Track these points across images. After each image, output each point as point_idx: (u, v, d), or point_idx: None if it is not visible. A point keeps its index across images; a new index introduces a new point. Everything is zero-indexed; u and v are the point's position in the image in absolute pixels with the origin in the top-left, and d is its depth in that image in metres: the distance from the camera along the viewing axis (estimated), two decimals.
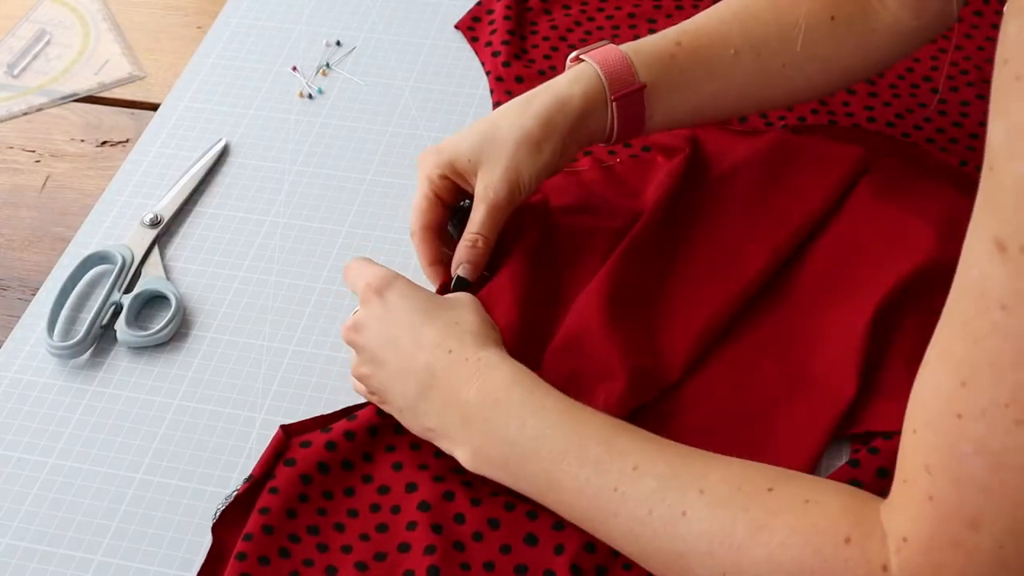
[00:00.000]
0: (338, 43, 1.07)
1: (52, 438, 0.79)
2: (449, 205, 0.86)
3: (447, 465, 0.76)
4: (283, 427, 0.77)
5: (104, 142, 1.01)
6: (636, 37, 1.04)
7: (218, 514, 0.73)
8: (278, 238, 0.91)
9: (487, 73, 1.03)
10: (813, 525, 0.60)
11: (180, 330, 0.85)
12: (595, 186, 0.92)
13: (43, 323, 0.84)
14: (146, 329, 0.85)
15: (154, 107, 1.03)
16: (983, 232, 0.53)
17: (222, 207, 0.94)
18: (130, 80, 1.06)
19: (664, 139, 0.93)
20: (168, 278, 0.88)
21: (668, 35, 0.86)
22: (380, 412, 0.78)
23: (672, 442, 0.68)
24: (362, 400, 0.79)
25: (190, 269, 0.89)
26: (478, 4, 1.09)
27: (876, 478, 0.74)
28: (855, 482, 0.74)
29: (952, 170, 0.92)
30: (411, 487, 0.74)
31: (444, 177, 0.84)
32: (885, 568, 0.58)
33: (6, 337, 0.86)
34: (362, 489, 0.75)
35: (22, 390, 0.82)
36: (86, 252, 0.89)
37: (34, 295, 0.88)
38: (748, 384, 0.80)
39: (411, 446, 0.77)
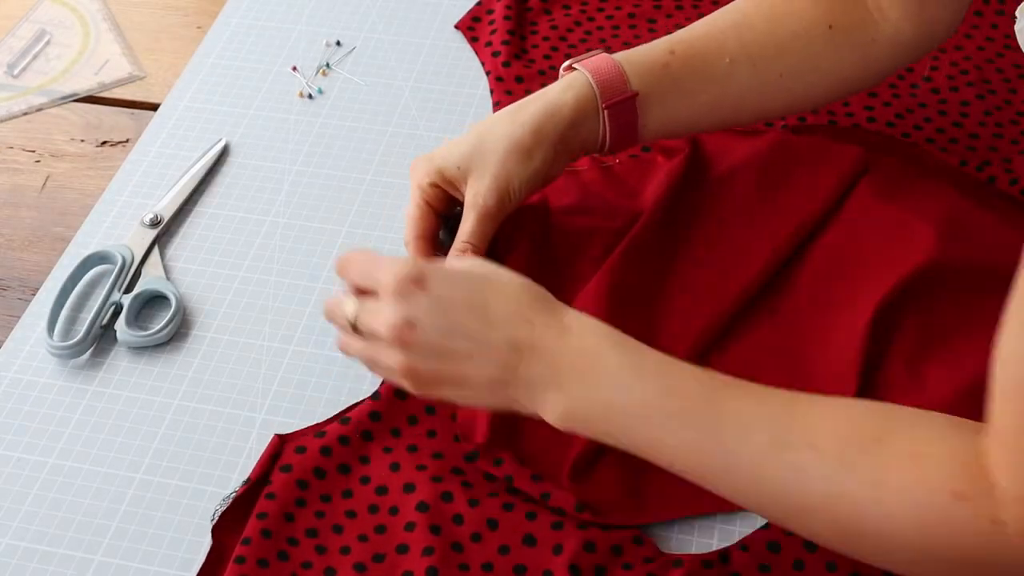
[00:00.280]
0: (338, 43, 1.07)
1: (52, 438, 0.80)
2: (441, 214, 0.85)
3: (445, 466, 0.76)
4: (278, 436, 0.77)
5: (104, 142, 1.01)
6: (636, 37, 1.04)
7: (216, 516, 0.73)
8: (278, 238, 0.91)
9: (487, 73, 1.03)
10: (924, 482, 0.61)
11: (180, 330, 0.85)
12: (594, 186, 0.92)
13: (43, 323, 0.84)
14: (146, 329, 0.85)
15: (154, 107, 1.03)
16: None
17: (222, 207, 0.94)
18: (130, 80, 1.06)
19: (664, 139, 0.93)
20: (168, 278, 0.88)
21: (661, 44, 0.86)
22: (373, 416, 0.78)
23: (772, 390, 0.67)
24: (354, 401, 0.79)
25: (190, 269, 0.89)
26: (478, 4, 1.09)
27: None
28: None
29: (952, 170, 0.92)
30: (409, 488, 0.75)
31: (435, 186, 0.84)
32: (996, 521, 0.58)
33: (6, 337, 0.86)
34: (360, 490, 0.75)
35: (22, 390, 0.82)
36: (86, 252, 0.89)
37: (34, 295, 0.88)
38: None
39: (408, 447, 0.77)
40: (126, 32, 1.11)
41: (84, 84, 1.05)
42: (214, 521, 0.73)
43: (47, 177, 0.98)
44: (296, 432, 0.78)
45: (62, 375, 0.83)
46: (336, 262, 0.75)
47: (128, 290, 0.87)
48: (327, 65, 1.04)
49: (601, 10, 1.07)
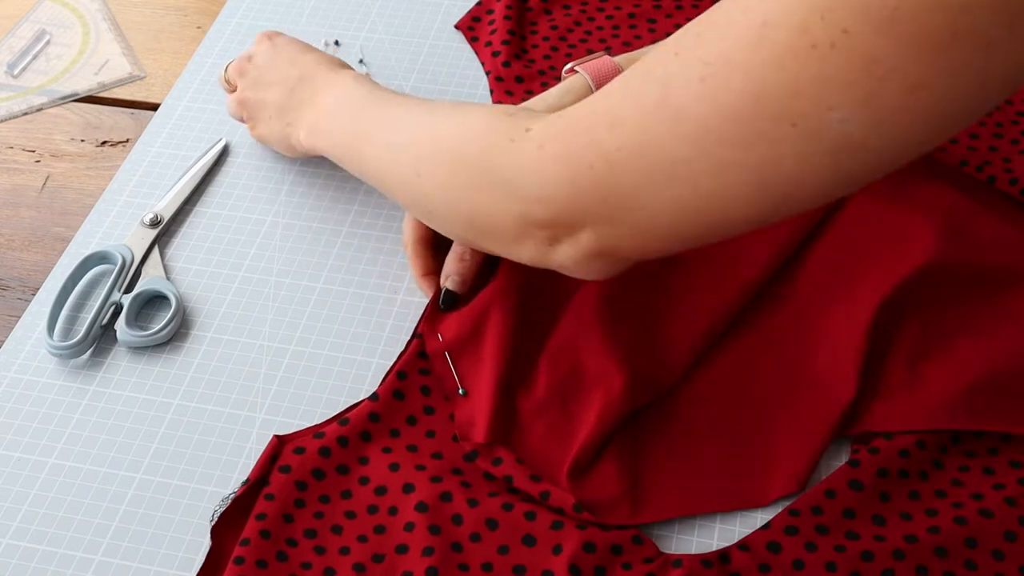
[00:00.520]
0: (337, 43, 1.07)
1: (52, 438, 0.80)
2: None
3: (444, 466, 0.76)
4: (277, 436, 0.77)
5: (104, 142, 1.01)
6: (636, 37, 1.04)
7: (215, 516, 0.73)
8: (278, 238, 0.91)
9: (487, 73, 1.03)
10: (470, 118, 0.75)
11: (180, 330, 0.85)
12: None
13: (43, 323, 0.84)
14: (146, 329, 0.85)
15: (154, 107, 1.03)
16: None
17: (222, 207, 0.94)
18: (130, 80, 1.06)
19: None
20: (168, 278, 0.88)
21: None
22: (372, 416, 0.78)
23: (417, 103, 0.81)
24: (353, 402, 0.79)
25: (190, 269, 0.89)
26: (478, 4, 1.09)
27: (876, 478, 0.75)
28: (855, 482, 0.74)
29: (952, 170, 0.92)
30: (408, 488, 0.74)
31: None
32: (528, 130, 0.70)
33: (6, 337, 0.86)
34: (359, 491, 0.75)
35: (22, 390, 0.82)
36: (86, 252, 0.89)
37: (34, 295, 0.88)
38: (748, 384, 0.80)
39: (408, 447, 0.77)
40: (126, 32, 1.11)
41: (84, 84, 1.05)
42: (213, 522, 0.73)
43: (47, 177, 0.98)
44: (295, 433, 0.78)
45: (62, 375, 0.83)
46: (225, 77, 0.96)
47: (128, 290, 0.87)
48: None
49: (601, 10, 1.07)
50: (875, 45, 0.54)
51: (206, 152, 0.97)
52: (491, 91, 1.01)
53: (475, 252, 0.83)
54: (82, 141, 1.01)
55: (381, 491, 0.75)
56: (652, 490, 0.75)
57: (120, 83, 1.06)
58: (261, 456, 0.76)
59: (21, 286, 0.90)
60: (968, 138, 0.95)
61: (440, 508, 0.73)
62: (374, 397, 0.79)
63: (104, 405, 0.81)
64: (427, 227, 0.85)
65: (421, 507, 0.73)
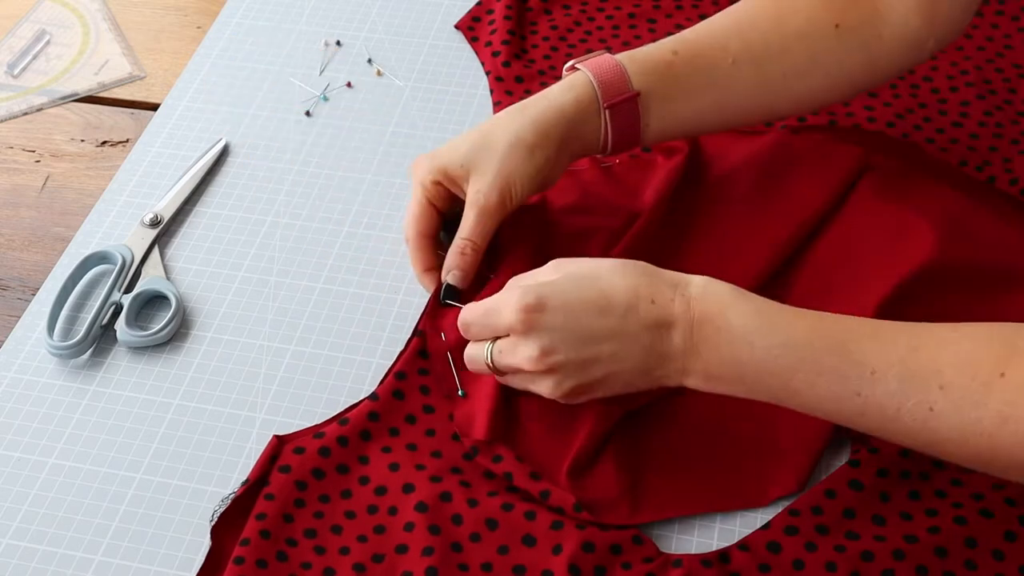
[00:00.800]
0: (338, 43, 1.07)
1: (52, 438, 0.80)
2: (442, 212, 0.86)
3: (444, 465, 0.76)
4: (276, 436, 0.77)
5: (104, 142, 1.01)
6: (636, 37, 1.04)
7: (215, 517, 0.73)
8: (278, 238, 0.91)
9: (487, 73, 1.03)
10: None
11: (180, 330, 0.85)
12: (594, 186, 0.92)
13: (43, 323, 0.84)
14: (146, 329, 0.85)
15: (154, 107, 1.03)
16: None
17: (222, 207, 0.94)
18: (130, 80, 1.06)
19: (666, 141, 0.93)
20: (168, 278, 0.88)
21: (665, 44, 0.85)
22: (372, 416, 0.78)
23: (895, 328, 0.70)
24: (353, 401, 0.79)
25: (190, 269, 0.89)
26: (478, 4, 1.09)
27: (876, 478, 0.75)
28: (855, 482, 0.74)
29: (952, 170, 0.92)
30: (408, 488, 0.74)
31: (437, 183, 0.84)
32: None
33: (6, 337, 0.86)
34: (359, 491, 0.75)
35: (22, 390, 0.82)
36: (86, 252, 0.89)
37: (34, 295, 0.88)
38: None
39: (407, 446, 0.77)
40: (126, 32, 1.11)
41: (84, 84, 1.05)
42: (213, 522, 0.73)
43: (47, 177, 0.98)
44: (295, 433, 0.78)
45: (62, 375, 0.83)
46: (460, 327, 0.77)
47: (128, 290, 0.87)
48: (324, 97, 1.02)
49: (601, 10, 1.07)
50: None
51: (206, 152, 0.97)
52: (491, 91, 1.01)
53: (476, 246, 0.83)
54: (82, 141, 1.01)
55: (381, 491, 0.75)
56: (652, 490, 0.75)
57: (120, 83, 1.06)
58: (261, 456, 0.76)
59: (21, 286, 0.90)
60: (968, 138, 0.95)
61: (440, 508, 0.73)
62: (374, 397, 0.79)
63: (104, 405, 0.81)
64: (428, 222, 0.85)
65: (421, 507, 0.73)
